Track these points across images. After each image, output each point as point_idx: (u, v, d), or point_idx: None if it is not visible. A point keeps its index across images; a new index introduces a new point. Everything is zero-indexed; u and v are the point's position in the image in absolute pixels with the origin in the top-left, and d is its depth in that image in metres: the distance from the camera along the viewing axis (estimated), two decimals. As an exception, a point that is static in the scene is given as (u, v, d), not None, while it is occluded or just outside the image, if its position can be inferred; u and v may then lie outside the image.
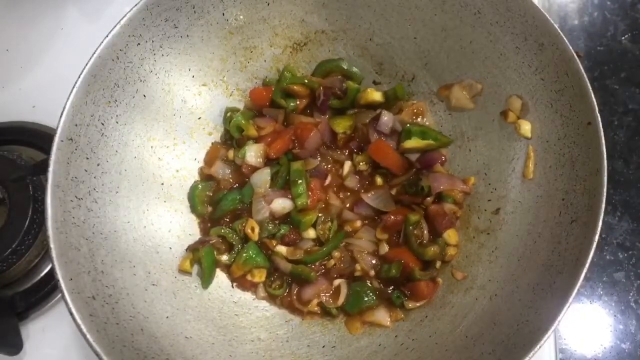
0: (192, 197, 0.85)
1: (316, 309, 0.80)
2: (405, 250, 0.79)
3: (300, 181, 0.82)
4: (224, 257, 0.82)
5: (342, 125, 0.84)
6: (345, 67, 0.87)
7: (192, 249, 0.81)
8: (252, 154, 0.84)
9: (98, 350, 0.62)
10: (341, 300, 0.79)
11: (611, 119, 0.99)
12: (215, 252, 0.82)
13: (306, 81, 0.86)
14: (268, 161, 0.85)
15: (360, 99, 0.84)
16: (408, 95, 0.87)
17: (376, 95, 0.84)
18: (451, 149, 0.84)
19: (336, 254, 0.81)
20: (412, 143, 0.81)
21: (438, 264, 0.79)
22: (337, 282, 0.80)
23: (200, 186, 0.85)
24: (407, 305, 0.78)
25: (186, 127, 0.86)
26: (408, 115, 0.85)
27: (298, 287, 0.81)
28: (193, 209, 0.85)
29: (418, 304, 0.77)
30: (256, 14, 0.84)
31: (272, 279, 0.82)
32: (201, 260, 0.80)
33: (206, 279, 0.80)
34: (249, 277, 0.81)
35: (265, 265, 0.81)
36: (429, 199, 0.80)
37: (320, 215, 0.83)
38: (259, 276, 0.81)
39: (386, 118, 0.81)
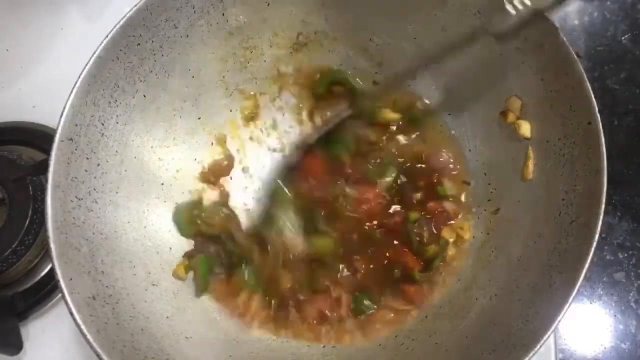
0: (178, 221, 0.82)
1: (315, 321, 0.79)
2: (406, 251, 0.79)
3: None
4: (218, 270, 0.80)
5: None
6: (350, 80, 0.87)
7: (189, 255, 0.80)
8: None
9: (98, 350, 0.61)
10: (344, 311, 0.78)
11: (611, 119, 0.98)
12: (208, 263, 0.80)
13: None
14: None
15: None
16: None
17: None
18: (451, 149, 0.84)
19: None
20: (388, 179, 0.82)
21: (437, 263, 0.79)
22: (337, 293, 0.79)
23: (183, 209, 0.82)
24: (400, 307, 0.78)
25: (186, 127, 0.86)
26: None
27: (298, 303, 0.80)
28: (181, 232, 0.82)
29: (405, 308, 0.77)
30: (256, 14, 0.84)
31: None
32: (195, 269, 0.79)
33: (200, 288, 0.79)
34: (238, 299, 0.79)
35: (257, 290, 0.80)
36: (417, 194, 0.81)
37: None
38: (250, 299, 0.79)
39: None
